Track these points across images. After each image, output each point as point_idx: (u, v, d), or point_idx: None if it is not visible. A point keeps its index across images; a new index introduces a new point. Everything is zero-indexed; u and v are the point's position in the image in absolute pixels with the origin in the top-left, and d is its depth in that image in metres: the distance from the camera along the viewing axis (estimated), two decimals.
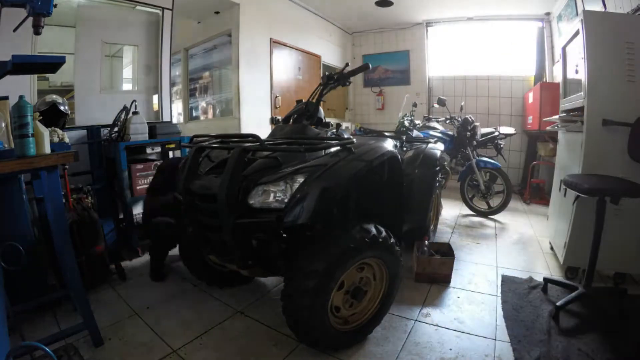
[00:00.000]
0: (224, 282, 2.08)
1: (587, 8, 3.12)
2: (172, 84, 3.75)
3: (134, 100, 2.66)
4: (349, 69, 1.95)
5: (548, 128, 3.06)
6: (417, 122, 3.70)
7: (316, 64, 5.31)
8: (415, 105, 3.87)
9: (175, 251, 2.20)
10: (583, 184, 1.71)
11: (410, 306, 1.90)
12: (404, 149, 2.60)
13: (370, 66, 1.91)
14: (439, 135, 3.68)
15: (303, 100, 1.97)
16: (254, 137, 1.45)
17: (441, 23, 5.48)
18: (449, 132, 3.80)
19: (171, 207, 1.90)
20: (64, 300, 1.89)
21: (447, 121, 3.88)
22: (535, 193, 4.27)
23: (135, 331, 1.69)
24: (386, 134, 2.94)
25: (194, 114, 5.43)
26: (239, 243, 1.40)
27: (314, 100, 1.89)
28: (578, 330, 1.64)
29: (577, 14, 3.53)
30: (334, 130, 2.03)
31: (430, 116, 4.32)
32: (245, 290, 2.10)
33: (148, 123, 2.70)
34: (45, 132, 1.42)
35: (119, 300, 2.00)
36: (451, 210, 3.80)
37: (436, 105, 3.88)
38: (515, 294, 2.00)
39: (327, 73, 1.99)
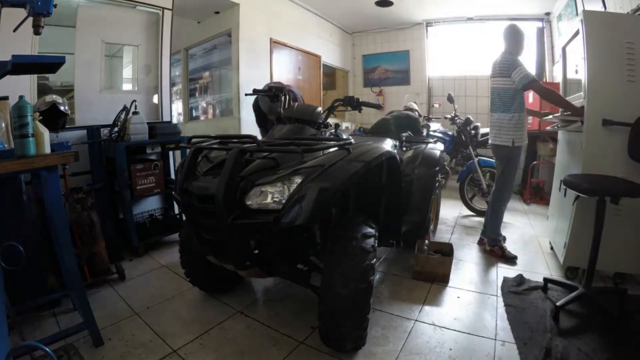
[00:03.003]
0: (217, 288, 2.05)
1: (587, 8, 3.11)
2: (172, 84, 3.76)
3: (134, 100, 2.66)
4: (362, 99, 2.11)
5: (548, 128, 3.06)
6: None
7: (316, 63, 5.31)
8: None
9: (175, 251, 2.20)
10: (583, 184, 1.71)
11: (411, 306, 1.90)
12: (404, 149, 2.60)
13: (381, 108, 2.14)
14: (439, 135, 3.68)
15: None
16: (252, 138, 1.45)
17: (441, 23, 5.48)
18: (449, 132, 3.79)
19: None
20: (64, 300, 1.90)
21: (450, 122, 3.87)
22: (535, 193, 4.26)
23: (135, 331, 1.69)
24: None
25: (194, 114, 5.44)
26: (236, 244, 1.40)
27: (324, 113, 1.96)
28: (578, 330, 1.64)
29: (577, 14, 3.53)
30: (333, 130, 2.04)
31: (430, 116, 4.32)
32: (245, 290, 2.10)
33: (148, 123, 2.70)
34: (45, 132, 1.42)
35: (119, 300, 2.00)
36: (451, 210, 3.79)
37: (436, 106, 3.89)
38: (516, 294, 1.99)
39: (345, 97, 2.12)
